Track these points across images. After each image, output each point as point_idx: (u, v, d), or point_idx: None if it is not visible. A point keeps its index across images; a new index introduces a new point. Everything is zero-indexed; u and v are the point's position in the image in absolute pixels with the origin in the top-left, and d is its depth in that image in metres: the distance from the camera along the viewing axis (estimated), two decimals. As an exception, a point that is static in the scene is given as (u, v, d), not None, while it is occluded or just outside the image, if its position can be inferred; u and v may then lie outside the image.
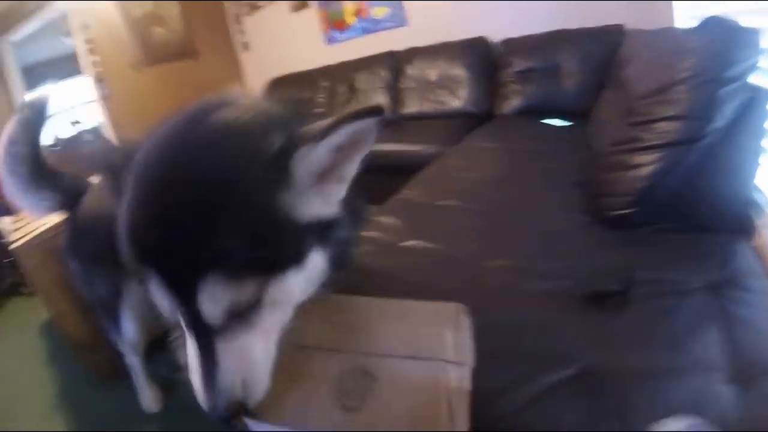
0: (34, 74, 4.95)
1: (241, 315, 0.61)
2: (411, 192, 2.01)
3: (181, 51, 4.55)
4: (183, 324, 0.62)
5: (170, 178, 0.60)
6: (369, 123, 0.60)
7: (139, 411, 1.77)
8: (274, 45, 4.69)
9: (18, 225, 2.17)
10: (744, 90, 1.22)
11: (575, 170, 1.76)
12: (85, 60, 4.03)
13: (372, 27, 3.95)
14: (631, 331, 1.00)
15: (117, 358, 1.71)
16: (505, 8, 3.19)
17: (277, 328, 0.66)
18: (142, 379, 1.77)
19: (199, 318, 0.59)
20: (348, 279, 0.80)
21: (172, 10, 4.43)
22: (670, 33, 1.86)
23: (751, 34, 1.22)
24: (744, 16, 1.40)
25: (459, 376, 0.67)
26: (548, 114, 2.64)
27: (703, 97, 1.23)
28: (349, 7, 4.00)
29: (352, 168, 0.67)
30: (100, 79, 4.05)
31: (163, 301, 0.61)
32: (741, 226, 1.28)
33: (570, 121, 2.48)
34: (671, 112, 1.28)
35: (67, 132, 5.45)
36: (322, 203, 0.67)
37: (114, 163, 0.72)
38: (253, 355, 0.63)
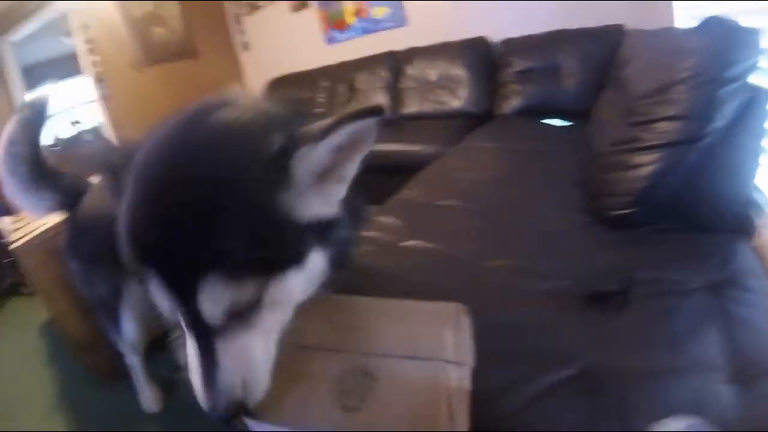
0: (35, 74, 4.95)
1: (241, 315, 0.61)
2: (411, 192, 2.02)
3: (181, 51, 4.55)
4: (183, 324, 0.62)
5: (170, 178, 0.60)
6: (369, 123, 0.60)
7: (139, 411, 1.77)
8: (274, 45, 4.69)
9: (18, 225, 2.17)
10: (744, 90, 1.22)
11: (575, 170, 1.76)
12: (85, 60, 4.03)
13: (372, 27, 3.95)
14: (631, 331, 1.00)
15: (117, 358, 1.70)
16: (504, 8, 3.20)
17: (277, 328, 0.66)
18: (142, 379, 1.77)
19: (199, 318, 0.59)
20: (348, 279, 0.80)
21: (172, 10, 4.43)
22: (670, 33, 1.86)
23: (751, 34, 1.22)
24: (744, 16, 1.40)
25: (459, 376, 0.67)
26: (548, 114, 2.64)
27: (703, 97, 1.23)
28: (349, 7, 4.00)
29: (352, 168, 0.67)
30: (100, 79, 4.05)
31: (163, 301, 0.61)
32: (741, 226, 1.28)
33: (570, 121, 2.48)
34: (671, 112, 1.28)
35: (67, 132, 5.46)
36: (322, 203, 0.66)
37: (114, 163, 0.72)
38: (253, 355, 0.63)
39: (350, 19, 4.04)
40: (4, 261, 3.03)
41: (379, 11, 3.84)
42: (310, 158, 0.62)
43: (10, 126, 1.30)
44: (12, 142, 1.30)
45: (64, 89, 5.62)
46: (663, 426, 0.60)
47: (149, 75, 4.31)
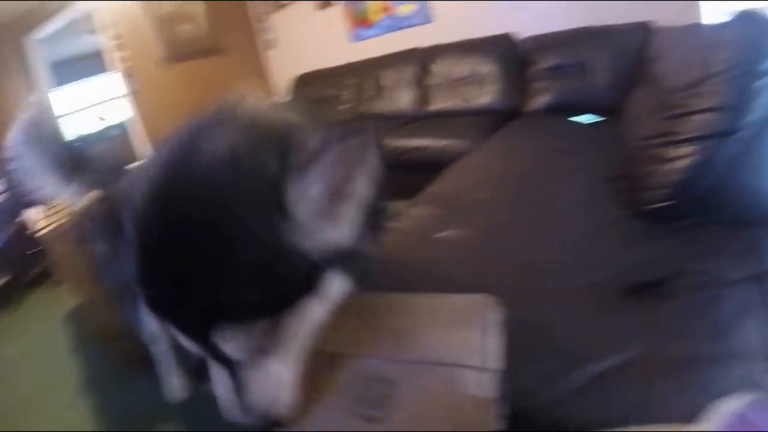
0: (61, 71, 5.07)
1: (263, 347, 0.61)
2: (443, 184, 2.04)
3: (206, 48, 4.61)
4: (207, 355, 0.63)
5: (166, 237, 0.58)
6: (362, 141, 0.58)
7: (166, 400, 1.72)
8: (299, 42, 4.74)
9: (47, 213, 2.22)
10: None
11: (607, 166, 1.76)
12: (112, 56, 4.09)
13: (397, 24, 3.98)
14: (674, 321, 1.01)
15: (144, 346, 1.71)
16: (529, 6, 3.22)
17: (302, 348, 0.66)
18: (167, 367, 1.70)
19: (221, 354, 0.60)
20: (378, 273, 0.79)
21: (197, 8, 4.49)
22: (700, 29, 1.88)
23: (785, 27, 1.22)
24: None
25: (482, 384, 0.65)
26: (575, 111, 2.64)
27: (738, 89, 1.24)
28: (373, 5, 4.04)
29: (358, 188, 0.62)
30: (129, 74, 4.12)
31: (182, 340, 0.61)
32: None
33: (599, 116, 2.49)
34: (706, 105, 1.29)
35: (91, 128, 5.57)
36: (332, 229, 0.63)
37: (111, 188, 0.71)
38: (279, 376, 0.64)
39: (375, 17, 4.07)
40: (29, 253, 3.09)
41: (405, 8, 3.87)
42: (304, 186, 0.58)
43: (23, 120, 1.29)
44: (28, 133, 1.29)
45: (90, 86, 5.75)
46: (725, 403, 0.61)
47: (175, 72, 4.38)
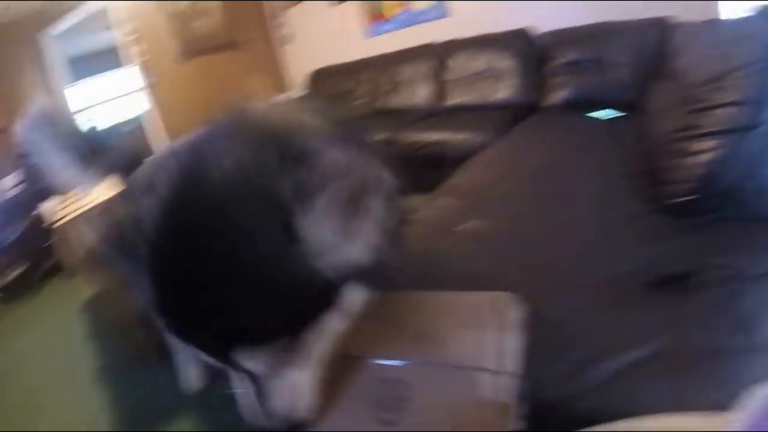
0: (76, 67, 5.12)
1: (283, 360, 0.63)
2: (464, 176, 2.06)
3: (221, 43, 4.64)
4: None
5: (180, 267, 0.58)
6: (372, 166, 0.59)
7: (182, 389, 1.74)
8: (315, 37, 4.76)
9: (65, 204, 2.23)
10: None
11: (627, 161, 1.76)
12: (128, 52, 4.13)
13: (413, 19, 3.98)
14: (700, 314, 1.02)
15: (161, 335, 1.67)
16: (545, 2, 3.21)
17: (320, 357, 0.67)
18: (183, 358, 1.70)
19: (241, 368, 0.62)
20: (403, 268, 0.78)
21: (213, 4, 4.51)
22: (720, 24, 1.88)
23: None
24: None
25: (499, 387, 0.65)
26: (594, 106, 2.63)
27: (761, 83, 1.24)
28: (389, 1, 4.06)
29: (373, 204, 0.62)
30: (146, 68, 4.15)
31: (203, 356, 0.63)
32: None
33: (618, 112, 2.49)
34: (729, 99, 1.29)
35: (107, 123, 5.63)
36: (348, 246, 0.62)
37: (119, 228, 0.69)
38: (299, 383, 0.65)
39: (391, 12, 4.08)
40: (45, 245, 3.12)
41: (421, 3, 3.88)
42: (316, 208, 0.57)
43: (33, 110, 1.26)
44: (40, 122, 1.25)
45: (106, 82, 5.81)
46: (759, 392, 0.60)
47: (190, 67, 4.41)
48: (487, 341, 0.71)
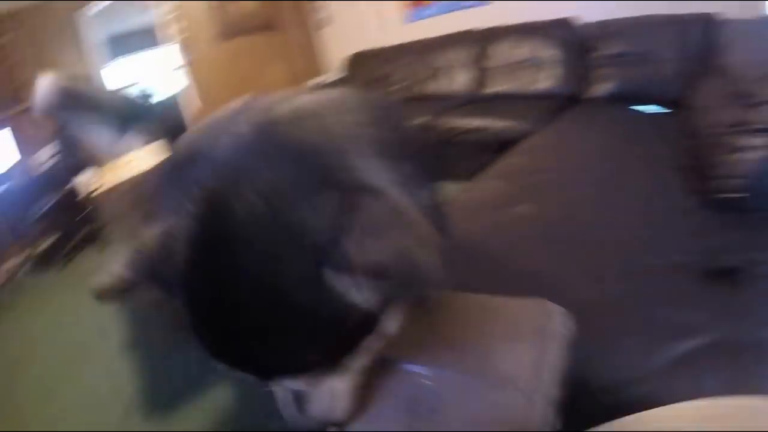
0: (114, 46, 5.23)
1: (323, 377, 0.65)
2: (512, 161, 2.09)
3: (259, 24, 4.67)
4: None
5: (213, 305, 0.57)
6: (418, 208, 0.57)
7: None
8: (354, 21, 4.75)
9: (101, 174, 2.27)
10: None
11: (675, 155, 1.78)
12: (165, 31, 4.18)
13: (454, 5, 3.96)
14: (754, 306, 1.04)
15: None
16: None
17: (358, 367, 0.68)
18: None
19: (282, 384, 0.65)
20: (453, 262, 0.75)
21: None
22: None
23: None
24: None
25: (531, 411, 0.63)
26: (638, 100, 2.61)
27: None
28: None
29: (406, 241, 0.58)
30: (185, 45, 4.21)
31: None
32: None
33: (663, 108, 2.48)
34: None
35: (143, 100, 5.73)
36: (384, 280, 0.58)
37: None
38: (337, 388, 0.67)
39: (432, -4, 4.06)
40: (77, 217, 3.28)
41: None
42: (350, 241, 0.54)
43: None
44: (69, 92, 1.22)
45: (142, 61, 5.93)
46: None
47: (228, 47, 4.46)
48: (526, 358, 0.69)
